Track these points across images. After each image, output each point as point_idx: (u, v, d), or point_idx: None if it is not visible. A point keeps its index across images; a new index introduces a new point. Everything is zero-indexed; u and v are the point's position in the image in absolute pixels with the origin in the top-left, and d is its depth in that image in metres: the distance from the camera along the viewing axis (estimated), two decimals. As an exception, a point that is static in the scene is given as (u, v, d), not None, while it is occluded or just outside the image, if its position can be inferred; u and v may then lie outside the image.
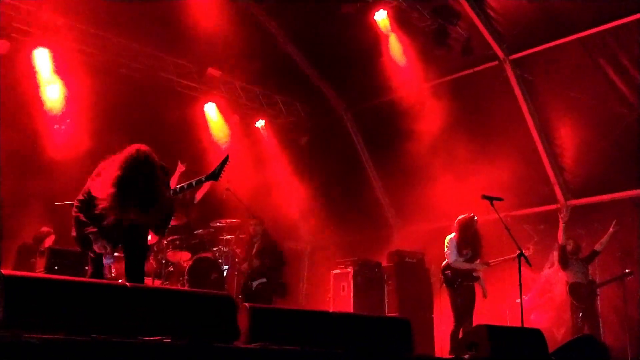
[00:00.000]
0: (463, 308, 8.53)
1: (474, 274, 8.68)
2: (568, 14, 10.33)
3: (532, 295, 10.82)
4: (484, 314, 9.62)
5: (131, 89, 11.31)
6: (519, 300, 8.00)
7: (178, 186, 6.35)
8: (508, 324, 10.25)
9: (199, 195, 10.37)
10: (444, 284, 8.80)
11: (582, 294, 9.42)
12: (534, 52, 11.02)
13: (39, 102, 10.40)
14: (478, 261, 8.75)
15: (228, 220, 10.50)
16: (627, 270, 9.63)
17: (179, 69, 12.18)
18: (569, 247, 9.69)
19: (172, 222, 9.82)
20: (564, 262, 9.58)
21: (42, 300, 3.84)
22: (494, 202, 7.96)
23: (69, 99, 10.62)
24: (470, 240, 8.71)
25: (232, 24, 11.70)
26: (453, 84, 12.11)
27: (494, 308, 9.99)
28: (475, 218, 8.79)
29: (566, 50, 10.69)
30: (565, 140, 11.31)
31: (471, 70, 11.74)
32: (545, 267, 11.02)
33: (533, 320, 10.21)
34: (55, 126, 10.35)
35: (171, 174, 6.82)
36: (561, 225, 9.47)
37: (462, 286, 8.55)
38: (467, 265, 8.65)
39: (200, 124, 12.67)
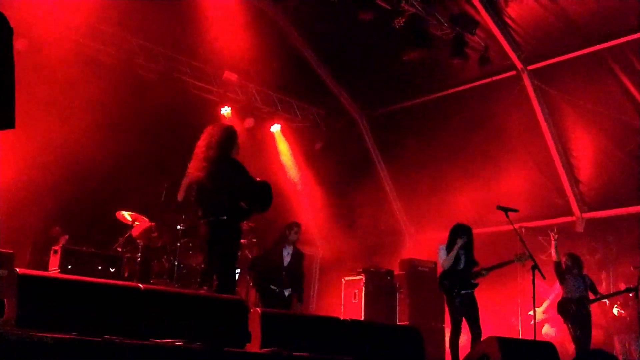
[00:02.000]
0: (460, 317, 8.48)
1: (472, 281, 8.63)
2: (587, 26, 10.29)
3: (546, 308, 10.72)
4: (496, 326, 9.56)
5: (147, 90, 11.34)
6: (531, 313, 7.94)
7: None
8: (520, 336, 10.18)
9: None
10: (443, 293, 8.76)
11: (568, 310, 9.31)
12: (552, 63, 10.99)
13: (58, 100, 10.43)
14: (474, 270, 8.69)
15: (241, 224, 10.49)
16: (627, 286, 9.49)
17: (195, 71, 12.21)
18: (571, 263, 9.49)
19: (186, 224, 9.89)
20: (561, 278, 9.47)
21: (56, 300, 3.86)
22: (509, 213, 7.91)
23: (85, 99, 10.65)
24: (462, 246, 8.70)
25: (249, 27, 11.74)
26: (470, 93, 12.08)
27: (506, 320, 9.92)
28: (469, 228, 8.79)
29: (584, 61, 10.64)
30: (582, 152, 11.25)
31: (489, 80, 11.70)
32: (557, 281, 10.93)
33: (545, 333, 10.14)
34: None
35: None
36: (553, 242, 9.35)
37: (459, 295, 8.50)
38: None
39: (216, 126, 12.67)
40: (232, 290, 6.21)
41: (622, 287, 10.05)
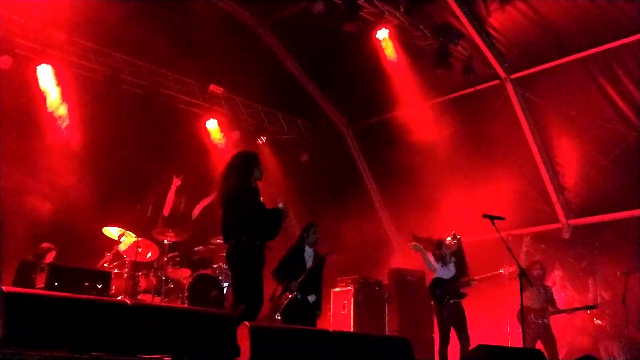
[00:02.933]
0: (449, 326, 8.50)
1: (461, 290, 8.66)
2: (569, 34, 10.39)
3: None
4: (484, 334, 9.57)
5: (133, 105, 11.34)
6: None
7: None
8: (509, 344, 10.20)
9: (196, 212, 10.37)
10: (433, 302, 8.75)
11: (528, 319, 9.35)
12: (535, 72, 11.08)
13: (42, 117, 10.41)
14: (463, 279, 8.71)
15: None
16: (590, 304, 9.70)
17: (181, 85, 12.22)
18: (536, 272, 9.49)
19: (173, 239, 9.87)
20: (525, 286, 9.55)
21: (43, 317, 3.83)
22: (495, 221, 7.94)
23: (72, 115, 10.63)
24: (449, 256, 8.74)
25: (234, 42, 11.78)
26: (454, 103, 12.16)
27: (495, 328, 9.94)
28: (458, 237, 8.82)
29: (567, 69, 10.75)
30: (567, 159, 11.33)
31: (472, 89, 11.79)
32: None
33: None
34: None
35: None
36: (524, 248, 9.42)
37: (449, 304, 8.53)
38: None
39: (202, 139, 12.68)
40: (251, 316, 6.09)
41: (606, 295, 10.13)
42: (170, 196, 10.21)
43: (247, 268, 6.32)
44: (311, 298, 8.13)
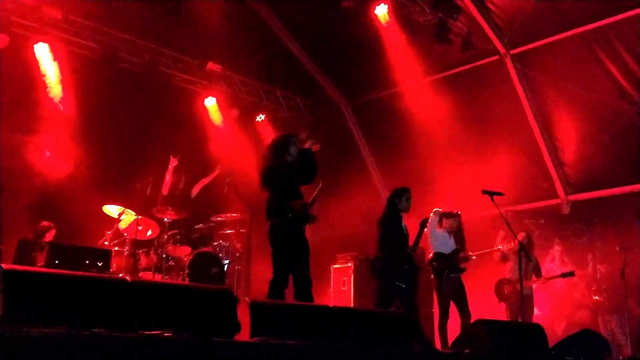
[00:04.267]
0: (449, 300, 8.54)
1: (460, 265, 8.70)
2: (569, 9, 10.32)
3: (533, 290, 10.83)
4: (484, 309, 9.62)
5: (131, 83, 11.29)
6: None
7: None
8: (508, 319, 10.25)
9: (195, 190, 10.38)
10: (432, 276, 8.79)
11: (503, 292, 9.50)
12: (534, 47, 11.01)
13: (40, 96, 10.37)
14: (462, 255, 8.76)
15: (228, 215, 10.50)
16: (567, 272, 9.70)
17: (179, 63, 12.16)
18: (525, 242, 9.32)
19: (172, 217, 9.88)
20: (504, 258, 9.67)
21: (43, 295, 3.85)
22: (495, 197, 7.95)
23: (69, 94, 10.60)
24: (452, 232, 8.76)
25: (232, 18, 11.69)
26: (453, 79, 12.10)
27: (494, 302, 9.98)
28: (459, 212, 8.85)
29: (567, 44, 10.68)
30: (566, 135, 11.31)
31: (472, 65, 11.73)
32: (545, 261, 11.02)
33: (533, 315, 10.22)
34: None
35: None
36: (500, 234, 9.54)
37: (449, 278, 8.56)
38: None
39: (200, 118, 12.65)
40: (277, 294, 6.45)
41: (603, 269, 10.17)
42: (168, 176, 10.22)
43: (282, 246, 6.60)
44: None
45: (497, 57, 11.32)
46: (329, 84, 13.82)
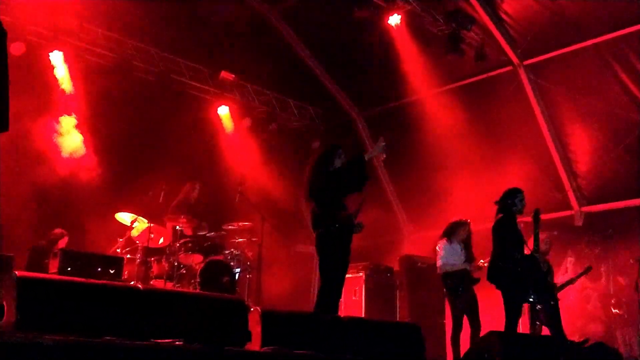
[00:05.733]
0: (462, 313, 8.47)
1: (473, 276, 8.62)
2: (582, 20, 10.28)
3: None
4: (495, 320, 9.55)
5: (145, 92, 11.37)
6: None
7: None
8: (520, 331, 10.18)
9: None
10: (447, 292, 8.71)
11: None
12: (548, 58, 10.97)
13: (54, 103, 10.46)
14: (473, 264, 8.68)
15: (240, 223, 10.51)
16: (585, 269, 9.54)
17: (193, 72, 12.22)
18: (544, 247, 9.19)
19: (184, 225, 9.90)
20: None
21: (56, 302, 3.87)
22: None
23: (83, 102, 10.68)
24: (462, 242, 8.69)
25: (245, 28, 11.76)
26: (466, 89, 12.07)
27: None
28: (468, 221, 8.78)
29: (581, 55, 10.63)
30: (579, 146, 11.25)
31: (485, 76, 11.70)
32: (558, 273, 10.94)
33: (543, 327, 10.16)
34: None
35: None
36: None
37: (465, 292, 8.48)
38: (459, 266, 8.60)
39: (213, 126, 12.70)
40: (326, 306, 6.42)
41: (622, 281, 10.05)
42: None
43: (328, 257, 6.63)
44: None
45: (510, 67, 11.29)
46: (341, 94, 13.83)
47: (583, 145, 11.22)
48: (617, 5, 9.83)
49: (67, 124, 10.49)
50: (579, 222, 11.30)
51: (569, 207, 11.40)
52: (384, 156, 6.99)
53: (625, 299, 10.21)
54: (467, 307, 8.47)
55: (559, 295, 9.25)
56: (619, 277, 10.46)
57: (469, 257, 8.69)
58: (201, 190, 10.51)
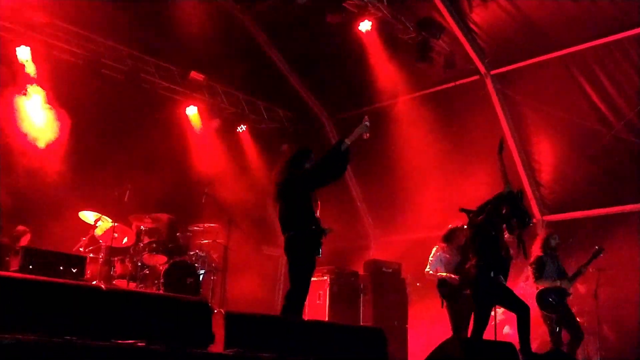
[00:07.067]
0: (463, 318, 8.31)
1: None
2: (549, 32, 10.47)
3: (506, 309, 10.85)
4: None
5: (113, 90, 11.26)
6: (492, 313, 8.00)
7: None
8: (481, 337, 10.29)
9: None
10: (445, 300, 8.49)
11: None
12: (515, 68, 11.15)
13: (19, 100, 10.30)
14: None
15: (206, 225, 10.47)
16: (596, 247, 8.94)
17: (162, 71, 12.16)
18: (553, 243, 9.00)
19: (149, 225, 9.83)
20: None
21: (16, 300, 3.82)
22: (471, 215, 7.97)
23: (50, 98, 10.54)
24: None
25: (216, 29, 11.72)
26: (434, 97, 12.21)
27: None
28: (464, 226, 8.74)
29: (547, 67, 10.83)
30: (543, 156, 11.43)
31: (452, 84, 11.84)
32: (520, 280, 11.09)
33: (506, 334, 10.28)
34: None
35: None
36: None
37: (462, 297, 8.37)
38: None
39: (182, 126, 12.63)
40: (293, 310, 6.39)
41: (582, 289, 10.18)
42: None
43: (300, 259, 6.57)
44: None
45: (477, 77, 11.44)
46: (311, 97, 13.87)
47: (547, 155, 11.41)
48: (583, 18, 10.03)
49: (33, 116, 10.32)
50: (540, 231, 11.48)
51: (530, 214, 11.55)
52: (368, 135, 6.90)
53: (585, 307, 10.39)
54: (466, 314, 8.33)
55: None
56: (579, 286, 10.60)
57: (464, 263, 8.61)
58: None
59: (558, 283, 8.62)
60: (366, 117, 6.96)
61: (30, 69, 10.42)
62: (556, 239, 9.02)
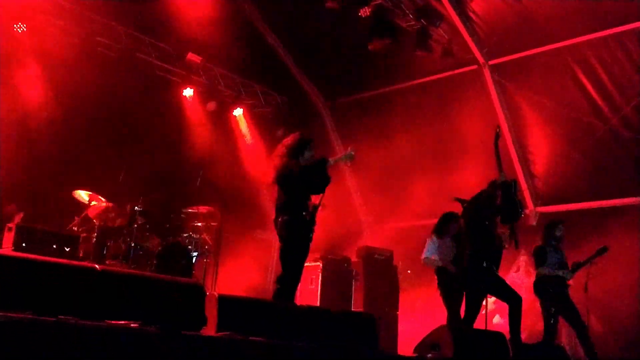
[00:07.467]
0: (459, 304, 8.37)
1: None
2: (548, 24, 10.47)
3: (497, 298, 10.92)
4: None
5: (107, 69, 11.18)
6: (483, 303, 8.06)
7: None
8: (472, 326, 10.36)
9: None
10: (444, 288, 8.46)
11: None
12: (512, 59, 11.15)
13: (14, 77, 10.22)
14: None
15: (200, 207, 10.46)
16: (602, 248, 8.82)
17: (159, 52, 12.07)
18: (558, 234, 8.96)
19: (143, 206, 9.82)
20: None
21: (9, 278, 3.82)
22: (465, 204, 8.01)
23: (45, 76, 10.45)
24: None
25: (215, 11, 11.64)
26: (432, 85, 12.20)
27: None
28: (459, 215, 8.74)
29: (544, 59, 10.84)
30: (538, 147, 11.47)
31: (450, 73, 11.84)
32: (511, 270, 11.16)
33: (496, 323, 10.36)
34: None
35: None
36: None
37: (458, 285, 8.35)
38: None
39: (178, 108, 12.58)
40: (285, 294, 6.44)
41: (570, 281, 10.22)
42: None
43: (292, 244, 6.60)
44: None
45: (475, 66, 11.44)
46: (308, 82, 13.84)
47: (541, 147, 11.44)
48: (582, 11, 10.03)
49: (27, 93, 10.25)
50: (532, 222, 11.54)
51: (525, 207, 11.61)
52: (349, 163, 7.00)
53: (574, 299, 10.45)
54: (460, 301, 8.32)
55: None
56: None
57: (461, 253, 8.61)
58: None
59: (560, 272, 8.62)
60: (352, 146, 7.07)
61: (26, 46, 10.33)
62: (561, 229, 9.01)
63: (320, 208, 6.78)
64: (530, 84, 11.15)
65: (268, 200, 13.29)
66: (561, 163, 11.20)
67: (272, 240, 14.02)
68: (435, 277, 8.60)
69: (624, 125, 10.36)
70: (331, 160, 6.82)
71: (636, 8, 9.63)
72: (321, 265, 10.52)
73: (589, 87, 10.53)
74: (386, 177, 12.82)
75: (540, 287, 8.64)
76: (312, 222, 6.70)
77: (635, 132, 10.32)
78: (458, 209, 8.15)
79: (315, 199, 6.87)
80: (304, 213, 6.61)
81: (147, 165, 10.48)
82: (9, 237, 8.05)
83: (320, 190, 6.80)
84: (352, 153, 6.91)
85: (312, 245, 6.87)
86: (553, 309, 8.58)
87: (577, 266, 8.81)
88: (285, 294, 6.45)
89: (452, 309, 8.41)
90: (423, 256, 8.67)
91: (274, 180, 6.73)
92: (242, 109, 13.48)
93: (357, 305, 10.50)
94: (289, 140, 6.83)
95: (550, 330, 8.59)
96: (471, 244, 7.35)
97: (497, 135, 7.80)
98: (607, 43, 10.13)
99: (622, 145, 10.48)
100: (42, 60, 10.41)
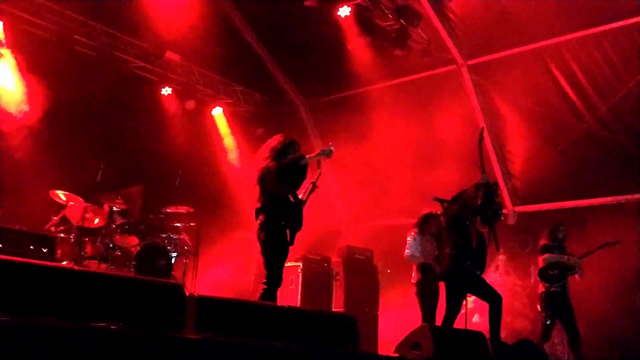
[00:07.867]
0: (434, 306, 8.45)
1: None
2: (526, 24, 10.53)
3: (477, 297, 10.98)
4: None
5: (85, 67, 11.06)
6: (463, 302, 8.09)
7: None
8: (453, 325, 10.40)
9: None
10: (427, 285, 8.57)
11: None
12: (491, 59, 11.21)
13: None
14: None
15: (179, 207, 10.39)
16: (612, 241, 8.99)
17: (136, 49, 11.98)
18: (561, 235, 9.14)
19: (121, 206, 9.73)
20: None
21: (-16, 280, 3.75)
22: (445, 204, 8.03)
23: (20, 73, 10.32)
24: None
25: (194, 9, 11.57)
26: (410, 85, 12.23)
27: (439, 308, 10.12)
28: (439, 214, 8.77)
29: (522, 59, 10.90)
30: (516, 147, 11.54)
31: (429, 73, 11.87)
32: (489, 270, 11.22)
33: (476, 323, 10.41)
34: None
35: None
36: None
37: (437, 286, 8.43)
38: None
39: (156, 107, 12.48)
40: (270, 294, 6.53)
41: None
42: None
43: (274, 244, 6.60)
44: None
45: (454, 66, 11.48)
46: (287, 81, 13.80)
47: (520, 146, 11.52)
48: (559, 12, 10.11)
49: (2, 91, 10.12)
50: (511, 221, 11.62)
51: (503, 206, 11.68)
52: (327, 159, 6.98)
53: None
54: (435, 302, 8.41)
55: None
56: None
57: (442, 252, 8.66)
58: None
59: (565, 258, 8.77)
60: (331, 142, 7.06)
61: (1, 43, 10.19)
62: (563, 230, 9.15)
63: (311, 187, 6.79)
64: (509, 84, 11.21)
65: (247, 199, 13.28)
66: (539, 162, 11.28)
67: (252, 240, 14.00)
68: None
69: (601, 125, 10.46)
70: (307, 157, 6.78)
71: (612, 9, 9.73)
72: (301, 265, 10.52)
73: (567, 87, 10.61)
74: (365, 176, 12.83)
75: (544, 271, 8.86)
76: (295, 220, 6.68)
77: (612, 132, 10.43)
78: (437, 208, 8.17)
79: (310, 178, 6.87)
80: (285, 209, 6.56)
81: (125, 165, 10.37)
82: (-17, 238, 7.92)
83: (295, 187, 6.79)
84: (332, 149, 6.89)
85: (292, 245, 6.86)
86: (550, 312, 8.70)
87: (585, 254, 8.95)
88: (270, 294, 6.44)
89: (426, 308, 8.47)
90: (408, 253, 8.70)
91: (256, 181, 6.71)
92: (221, 108, 13.43)
93: (337, 305, 10.51)
94: (273, 142, 6.79)
95: (546, 332, 8.68)
96: (452, 243, 7.38)
97: (481, 137, 7.83)
98: (584, 43, 10.22)
99: (599, 145, 10.58)
100: (18, 58, 10.27)
